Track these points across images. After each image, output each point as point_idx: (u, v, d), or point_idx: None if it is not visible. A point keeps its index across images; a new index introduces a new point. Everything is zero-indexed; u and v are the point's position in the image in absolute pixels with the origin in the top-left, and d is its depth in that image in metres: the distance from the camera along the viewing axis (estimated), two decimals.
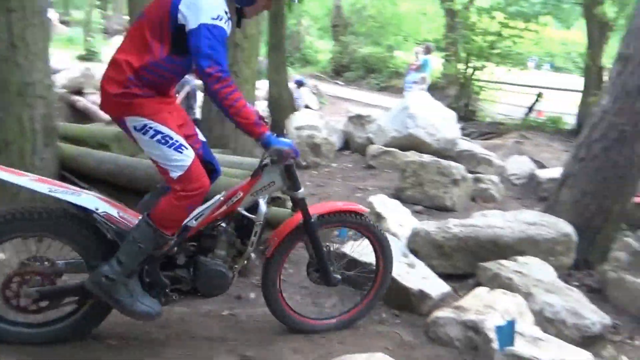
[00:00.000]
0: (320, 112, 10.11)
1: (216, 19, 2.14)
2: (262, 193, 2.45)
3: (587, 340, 2.68)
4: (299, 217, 2.54)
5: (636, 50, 3.57)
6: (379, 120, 7.23)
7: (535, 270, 3.16)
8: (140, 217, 2.27)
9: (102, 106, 2.33)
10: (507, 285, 2.99)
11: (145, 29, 2.19)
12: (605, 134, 3.65)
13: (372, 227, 2.74)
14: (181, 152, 2.24)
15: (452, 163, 5.19)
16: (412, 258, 3.26)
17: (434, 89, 11.58)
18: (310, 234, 2.56)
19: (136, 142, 2.29)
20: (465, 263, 3.45)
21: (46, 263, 2.31)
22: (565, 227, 3.47)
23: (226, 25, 2.19)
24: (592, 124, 3.82)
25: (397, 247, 3.30)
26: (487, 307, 2.70)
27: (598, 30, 9.69)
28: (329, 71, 20.05)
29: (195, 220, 2.41)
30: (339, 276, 2.69)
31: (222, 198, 2.44)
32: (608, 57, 9.76)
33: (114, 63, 2.21)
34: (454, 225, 3.56)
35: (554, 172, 5.23)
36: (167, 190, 2.31)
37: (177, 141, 2.24)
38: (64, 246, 2.34)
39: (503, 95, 12.41)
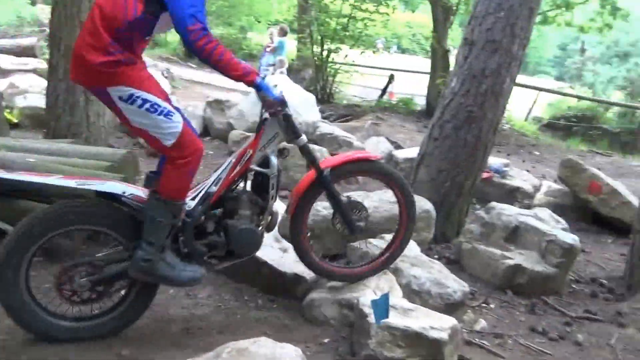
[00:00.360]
0: (175, 96, 9.71)
1: None
2: (269, 146, 2.55)
3: (450, 307, 2.87)
4: (313, 172, 2.67)
5: (480, 36, 3.88)
6: (239, 105, 7.06)
7: None
8: (148, 196, 2.35)
9: (78, 76, 2.28)
10: None
11: None
12: (455, 114, 3.93)
13: (386, 171, 2.93)
14: (171, 119, 2.26)
15: (316, 146, 5.24)
16: (284, 243, 3.24)
17: (290, 72, 11.64)
18: (325, 186, 2.68)
19: (119, 113, 2.27)
20: (336, 244, 3.51)
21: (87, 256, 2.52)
22: (425, 204, 3.68)
23: None
24: (443, 105, 4.09)
25: (269, 233, 3.25)
26: (359, 284, 2.80)
27: (442, 14, 10.23)
28: (179, 53, 19.09)
29: (215, 185, 2.50)
30: (362, 224, 2.83)
31: (233, 160, 2.53)
32: (453, 39, 10.49)
33: (89, 29, 2.17)
34: (323, 208, 3.60)
35: (410, 152, 5.53)
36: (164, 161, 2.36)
37: (165, 108, 2.25)
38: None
39: (358, 77, 12.87)
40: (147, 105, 2.21)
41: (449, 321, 2.46)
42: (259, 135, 2.55)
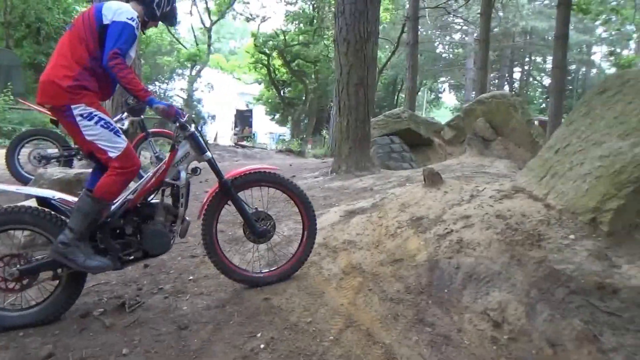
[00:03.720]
0: None
1: (131, 20, 2.95)
2: (181, 163, 3.10)
3: None
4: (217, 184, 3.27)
5: None
6: None
7: None
8: (81, 192, 2.93)
9: (44, 99, 2.91)
10: None
11: (80, 34, 2.95)
12: None
13: (284, 182, 3.34)
14: (119, 137, 2.96)
15: None
16: None
17: None
18: (228, 194, 3.24)
19: (75, 129, 2.88)
20: None
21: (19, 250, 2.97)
22: None
23: (136, 27, 3.00)
24: None
25: None
26: None
27: None
28: None
29: (132, 194, 3.07)
30: (260, 228, 3.32)
31: (150, 174, 3.10)
32: None
33: (59, 64, 2.88)
34: None
35: None
36: (105, 170, 2.95)
37: (115, 127, 2.96)
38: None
39: None
40: (102, 122, 2.89)
41: None
42: (172, 154, 3.10)
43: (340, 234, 4.00)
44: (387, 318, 2.95)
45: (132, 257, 3.15)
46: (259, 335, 2.90)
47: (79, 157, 6.58)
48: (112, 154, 2.93)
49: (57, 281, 3.02)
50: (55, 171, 5.17)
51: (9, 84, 16.16)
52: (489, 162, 7.54)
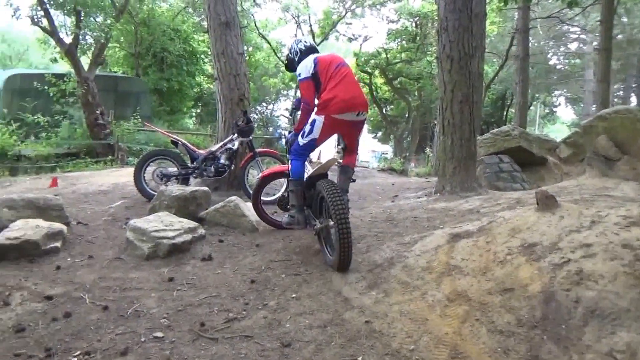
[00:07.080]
0: None
1: None
2: None
3: None
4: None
5: None
6: None
7: None
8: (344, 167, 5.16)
9: (366, 108, 4.71)
10: None
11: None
12: None
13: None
14: None
15: None
16: None
17: None
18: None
19: (360, 131, 5.03)
20: None
21: None
22: None
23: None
24: None
25: None
26: None
27: None
28: None
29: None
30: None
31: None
32: None
33: (358, 86, 4.87)
34: None
35: None
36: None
37: None
38: None
39: None
40: None
41: None
42: None
43: (444, 258, 3.86)
44: (497, 352, 2.77)
45: None
46: (359, 359, 2.86)
47: (194, 175, 7.03)
48: (359, 143, 5.16)
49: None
50: (174, 188, 5.56)
51: (138, 108, 17.96)
52: (613, 184, 6.92)
